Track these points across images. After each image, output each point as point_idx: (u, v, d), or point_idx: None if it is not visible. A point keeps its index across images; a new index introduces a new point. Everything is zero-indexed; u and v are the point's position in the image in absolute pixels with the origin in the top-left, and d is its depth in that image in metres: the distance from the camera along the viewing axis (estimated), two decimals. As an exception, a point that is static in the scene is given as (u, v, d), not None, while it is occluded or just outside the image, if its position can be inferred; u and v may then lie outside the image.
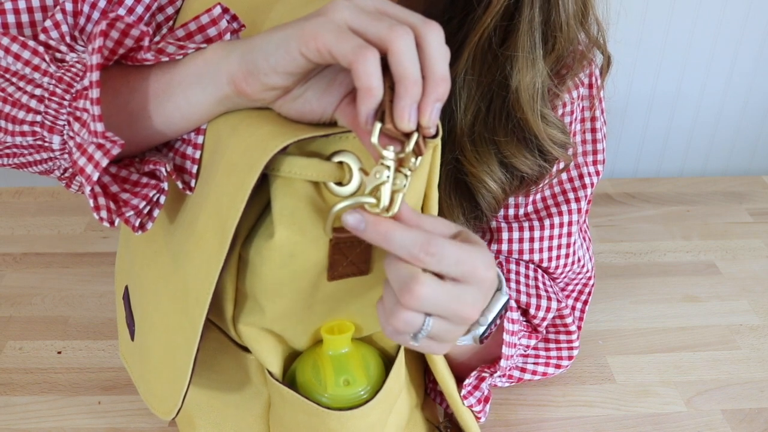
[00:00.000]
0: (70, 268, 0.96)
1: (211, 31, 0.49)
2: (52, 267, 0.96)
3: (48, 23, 0.52)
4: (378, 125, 0.42)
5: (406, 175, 0.44)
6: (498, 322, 0.54)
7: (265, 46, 0.44)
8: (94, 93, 0.45)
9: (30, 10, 0.54)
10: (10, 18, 0.53)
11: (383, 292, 0.48)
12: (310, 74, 0.45)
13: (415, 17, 0.42)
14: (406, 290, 0.44)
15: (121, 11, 0.54)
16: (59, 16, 0.52)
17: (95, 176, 0.46)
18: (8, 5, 0.53)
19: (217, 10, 0.48)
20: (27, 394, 0.77)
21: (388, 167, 0.43)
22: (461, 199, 0.67)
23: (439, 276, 0.45)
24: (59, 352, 0.83)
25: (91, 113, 0.46)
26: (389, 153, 0.43)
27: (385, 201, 0.44)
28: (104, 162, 0.45)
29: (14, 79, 0.52)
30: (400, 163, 0.44)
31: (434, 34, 0.42)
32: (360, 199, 0.45)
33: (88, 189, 0.47)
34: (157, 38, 0.53)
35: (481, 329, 0.53)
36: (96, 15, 0.53)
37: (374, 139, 0.42)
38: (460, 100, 0.64)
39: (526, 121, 0.63)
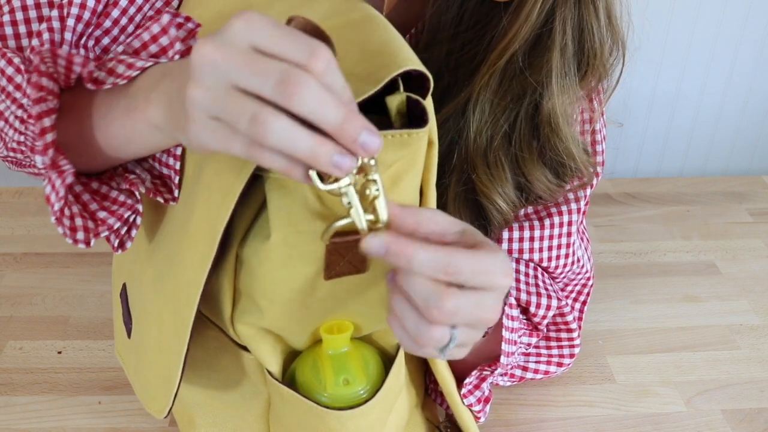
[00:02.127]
0: (70, 268, 0.96)
1: (164, 40, 0.48)
2: (52, 267, 0.96)
3: (35, 42, 0.52)
4: (313, 173, 0.40)
5: (374, 180, 0.42)
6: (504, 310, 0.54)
7: (181, 136, 0.42)
8: (38, 143, 0.45)
9: (27, 21, 0.54)
10: (8, 30, 0.54)
11: (399, 312, 0.46)
12: None
13: (269, 81, 0.37)
14: (434, 307, 0.43)
15: (116, 12, 0.54)
16: (46, 36, 0.52)
17: (57, 206, 0.45)
18: (6, 18, 0.54)
19: (166, 18, 0.48)
20: (27, 394, 0.77)
21: (346, 194, 0.42)
22: (470, 217, 0.67)
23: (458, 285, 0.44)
24: (59, 352, 0.83)
25: (39, 144, 0.45)
26: (343, 184, 0.41)
27: (383, 216, 0.43)
28: (62, 191, 0.45)
29: (2, 96, 0.52)
30: (363, 172, 0.42)
31: (299, 96, 0.37)
32: (358, 218, 0.43)
33: (53, 218, 0.46)
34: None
35: None
36: (86, 15, 0.54)
37: (321, 186, 0.40)
38: (473, 120, 0.63)
39: (566, 148, 0.63)
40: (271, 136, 0.37)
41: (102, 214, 0.49)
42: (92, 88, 0.48)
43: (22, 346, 0.83)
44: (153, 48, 0.49)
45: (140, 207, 0.50)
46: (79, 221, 0.48)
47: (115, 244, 0.50)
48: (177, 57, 0.48)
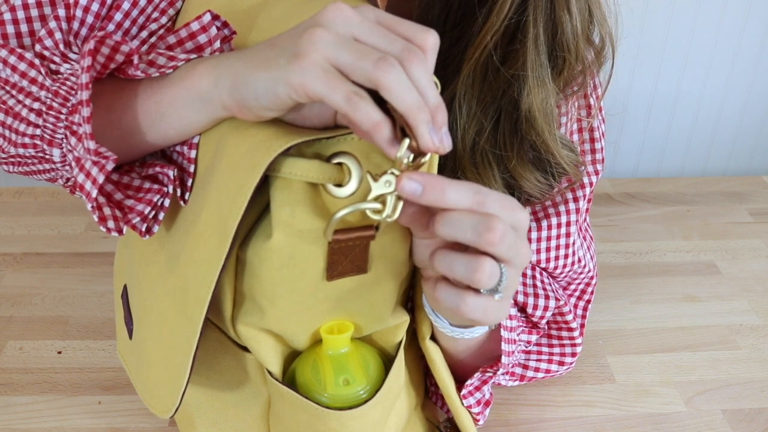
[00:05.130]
0: (70, 268, 0.96)
1: (202, 38, 0.49)
2: (52, 267, 0.96)
3: (42, 32, 0.52)
4: (406, 142, 0.42)
5: None
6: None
7: (252, 85, 0.44)
8: (85, 111, 0.45)
9: (29, 20, 0.54)
10: (10, 29, 0.54)
11: (446, 263, 0.48)
12: None
13: (396, 44, 0.42)
14: (485, 230, 0.45)
15: (119, 16, 0.54)
16: (53, 24, 0.52)
17: (94, 193, 0.46)
18: (7, 16, 0.54)
19: (207, 17, 0.49)
20: (27, 394, 0.77)
21: (397, 176, 0.44)
22: None
23: None
24: (59, 352, 0.83)
25: (83, 131, 0.46)
26: (404, 164, 0.44)
27: (389, 209, 0.45)
28: (101, 178, 0.46)
29: (14, 92, 0.52)
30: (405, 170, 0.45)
31: (417, 64, 0.42)
32: (361, 205, 0.45)
33: (89, 206, 0.47)
34: (153, 39, 0.54)
35: None
36: (90, 19, 0.54)
37: (400, 154, 0.43)
38: (459, 118, 0.63)
39: (544, 143, 0.63)
40: (393, 76, 0.40)
41: (129, 202, 0.50)
42: (140, 76, 0.48)
43: (22, 346, 0.83)
44: (189, 45, 0.50)
45: (170, 189, 0.50)
46: (107, 210, 0.48)
47: (143, 230, 0.50)
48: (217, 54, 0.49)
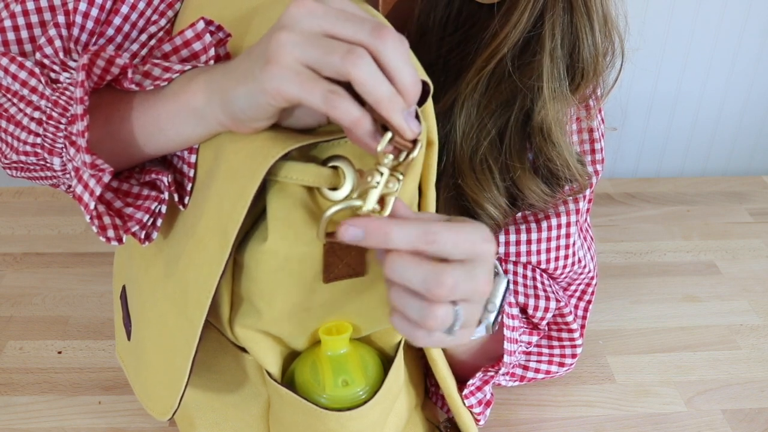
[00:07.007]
0: (71, 268, 0.96)
1: (197, 45, 0.49)
2: (52, 267, 0.96)
3: (42, 40, 0.52)
4: (388, 135, 0.42)
5: (398, 179, 0.44)
6: (505, 306, 0.54)
7: (235, 100, 0.44)
8: (80, 125, 0.45)
9: (29, 26, 0.54)
10: (10, 35, 0.54)
11: (400, 305, 0.46)
12: None
13: (363, 32, 0.41)
14: (434, 285, 0.44)
15: (118, 20, 0.54)
16: (52, 32, 0.52)
17: (92, 204, 0.46)
18: (7, 23, 0.54)
19: (201, 25, 0.48)
20: (27, 394, 0.77)
21: (382, 173, 0.44)
22: None
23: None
24: (59, 352, 0.83)
25: (79, 143, 0.46)
26: (387, 160, 0.43)
27: (369, 204, 0.44)
28: (98, 190, 0.46)
29: (15, 100, 0.52)
30: (393, 168, 0.44)
31: (388, 47, 0.41)
32: (349, 203, 0.45)
33: (87, 217, 0.47)
34: (153, 42, 0.53)
35: (492, 316, 0.54)
36: (90, 24, 0.54)
37: (380, 148, 0.42)
38: (458, 124, 0.63)
39: (560, 155, 0.63)
40: (363, 69, 0.39)
41: (129, 210, 0.50)
42: (135, 89, 0.48)
43: (22, 346, 0.84)
44: (184, 53, 0.50)
45: (166, 196, 0.50)
46: (107, 219, 0.48)
47: (142, 237, 0.50)
48: (212, 62, 0.49)
